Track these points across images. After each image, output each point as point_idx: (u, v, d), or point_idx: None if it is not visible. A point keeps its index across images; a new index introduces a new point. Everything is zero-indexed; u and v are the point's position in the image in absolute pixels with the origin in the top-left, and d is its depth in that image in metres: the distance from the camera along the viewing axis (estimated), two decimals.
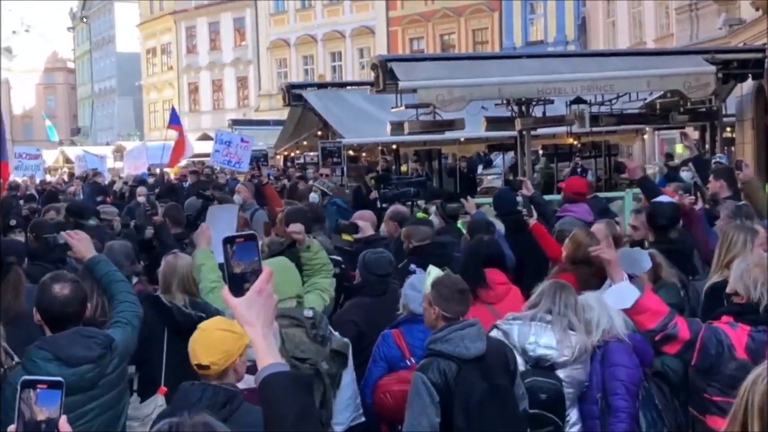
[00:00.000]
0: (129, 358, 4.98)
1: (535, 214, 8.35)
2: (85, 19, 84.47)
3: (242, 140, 19.25)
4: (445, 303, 5.15)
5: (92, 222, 10.10)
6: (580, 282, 6.15)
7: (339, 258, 7.77)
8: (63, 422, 2.18)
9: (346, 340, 5.60)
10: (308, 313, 5.31)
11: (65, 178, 30.82)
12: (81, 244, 5.28)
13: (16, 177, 24.17)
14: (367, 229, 7.96)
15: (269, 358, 2.41)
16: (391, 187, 13.92)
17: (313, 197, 14.71)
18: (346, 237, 8.79)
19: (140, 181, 21.96)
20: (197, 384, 4.06)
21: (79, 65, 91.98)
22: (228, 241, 2.31)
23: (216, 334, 4.18)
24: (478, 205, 10.01)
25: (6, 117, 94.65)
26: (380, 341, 6.01)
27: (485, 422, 4.87)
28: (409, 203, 12.39)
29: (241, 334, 4.03)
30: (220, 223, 7.23)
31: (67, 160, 45.10)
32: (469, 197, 10.03)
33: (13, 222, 10.20)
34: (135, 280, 7.08)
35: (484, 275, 6.70)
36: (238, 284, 2.33)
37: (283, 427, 2.35)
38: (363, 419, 5.83)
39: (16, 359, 4.66)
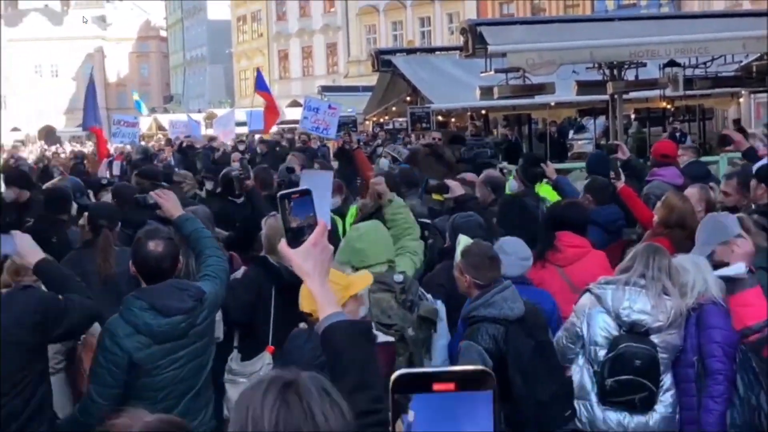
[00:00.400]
0: (216, 309, 5.11)
1: (623, 177, 8.23)
2: None
3: (330, 107, 19.33)
4: (475, 270, 5.22)
5: (164, 185, 10.30)
6: (674, 245, 6.07)
7: (429, 221, 7.78)
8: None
9: (434, 306, 5.60)
10: (398, 278, 5.34)
11: (162, 143, 31.32)
12: (169, 203, 5.44)
13: (114, 143, 24.71)
14: (457, 188, 7.93)
15: (328, 308, 2.47)
16: (465, 149, 13.84)
17: (384, 163, 14.69)
18: (436, 197, 8.79)
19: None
20: (304, 329, 4.34)
21: (171, 33, 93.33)
22: (284, 197, 2.38)
23: None
24: (567, 171, 9.93)
25: (100, 85, 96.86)
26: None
27: (538, 379, 4.93)
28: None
29: (344, 285, 4.23)
30: (315, 187, 7.28)
31: (160, 127, 45.89)
32: (548, 162, 9.92)
33: (104, 181, 10.49)
34: None
35: (553, 238, 6.69)
36: (295, 238, 2.40)
37: (348, 375, 2.40)
38: None
39: None
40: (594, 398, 5.26)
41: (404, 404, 0.98)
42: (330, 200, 7.64)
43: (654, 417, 5.24)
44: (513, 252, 5.90)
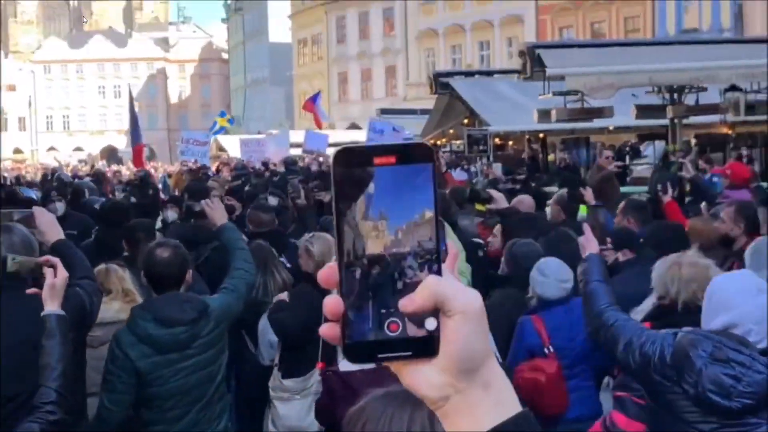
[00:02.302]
0: (228, 322, 5.17)
1: (670, 191, 8.16)
2: (239, 11, 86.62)
3: (394, 129, 19.51)
4: None
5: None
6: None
7: (480, 241, 7.78)
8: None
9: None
10: None
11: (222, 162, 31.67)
12: (216, 212, 5.68)
13: (181, 159, 25.06)
14: (501, 200, 7.92)
15: None
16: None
17: None
18: (478, 206, 8.81)
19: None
20: None
21: (232, 55, 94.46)
22: None
23: None
24: (626, 194, 9.83)
25: (163, 106, 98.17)
26: (519, 329, 5.87)
27: None
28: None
29: None
30: None
31: (220, 148, 46.35)
32: (587, 186, 9.74)
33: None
34: None
35: None
36: None
37: None
38: None
39: None
40: None
41: (365, 178, 1.05)
42: None
43: None
44: (552, 274, 5.81)
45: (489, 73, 28.92)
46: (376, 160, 1.06)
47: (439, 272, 1.09)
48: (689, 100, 17.30)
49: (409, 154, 1.07)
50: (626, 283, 5.64)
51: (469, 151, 21.57)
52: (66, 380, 3.68)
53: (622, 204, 8.67)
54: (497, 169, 21.01)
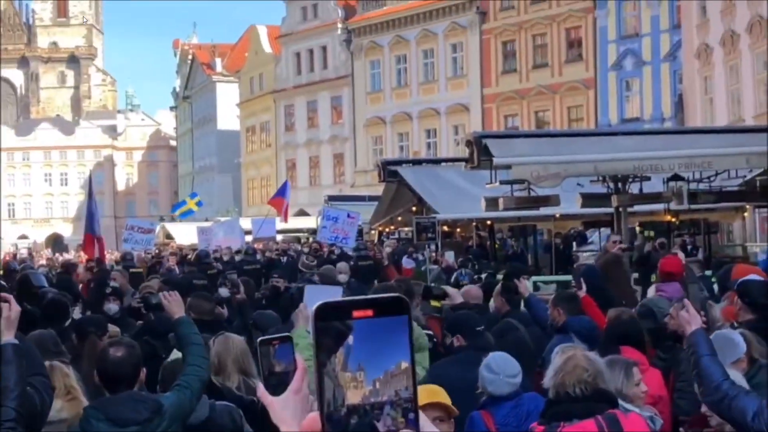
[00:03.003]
0: (182, 419, 5.10)
1: (584, 286, 8.60)
2: (187, 99, 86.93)
3: (348, 216, 19.48)
4: None
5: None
6: None
7: (431, 332, 7.80)
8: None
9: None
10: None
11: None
12: (172, 304, 5.71)
13: (126, 249, 24.74)
14: (456, 296, 7.98)
15: None
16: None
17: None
18: (434, 303, 8.85)
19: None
20: None
21: (180, 143, 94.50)
22: (265, 342, 2.39)
23: None
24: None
25: (110, 193, 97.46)
26: (470, 423, 5.79)
27: None
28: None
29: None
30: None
31: (167, 236, 46.16)
32: (522, 278, 9.87)
33: (108, 290, 10.55)
34: None
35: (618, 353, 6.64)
36: (276, 384, 2.40)
37: None
38: None
39: None
40: None
41: (344, 331, 1.09)
42: None
43: None
44: (501, 370, 5.74)
45: (437, 162, 29.24)
46: (355, 314, 1.10)
47: (416, 420, 1.12)
48: (633, 188, 17.60)
49: (386, 306, 1.11)
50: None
51: (417, 239, 21.61)
52: (23, 401, 4.12)
53: (552, 296, 8.91)
54: (449, 257, 21.10)
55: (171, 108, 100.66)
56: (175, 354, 6.19)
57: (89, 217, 20.39)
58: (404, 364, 1.11)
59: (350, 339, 1.10)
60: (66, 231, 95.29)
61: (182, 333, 5.49)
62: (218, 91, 78.89)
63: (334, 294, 6.69)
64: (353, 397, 1.11)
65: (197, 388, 5.17)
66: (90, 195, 21.26)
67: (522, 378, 5.87)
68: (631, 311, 7.93)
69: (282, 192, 26.27)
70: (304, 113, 64.28)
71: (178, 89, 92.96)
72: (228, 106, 75.43)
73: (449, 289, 8.22)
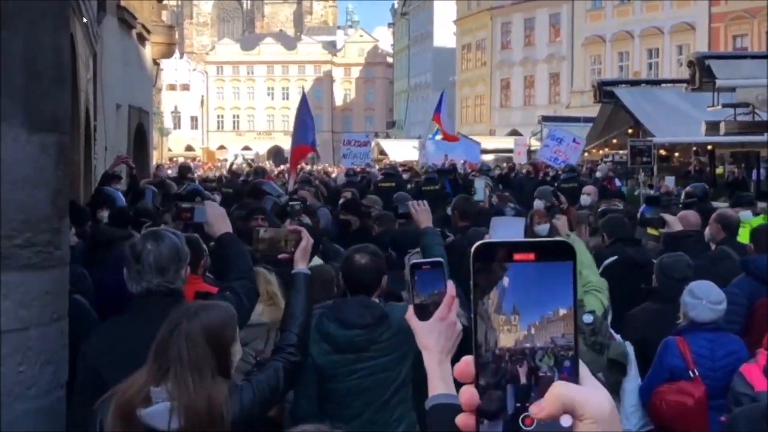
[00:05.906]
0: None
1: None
2: (405, 15, 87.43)
3: (574, 140, 19.21)
4: None
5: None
6: None
7: None
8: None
9: (624, 348, 5.40)
10: (588, 318, 5.19)
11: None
12: (420, 214, 5.79)
13: (344, 165, 25.24)
14: (674, 223, 7.67)
15: (440, 387, 2.35)
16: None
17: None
18: (651, 231, 8.56)
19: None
20: None
21: (397, 60, 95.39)
22: (415, 266, 2.31)
23: None
24: None
25: (328, 108, 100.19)
26: (663, 349, 5.70)
27: None
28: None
29: None
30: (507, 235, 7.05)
31: (381, 152, 46.93)
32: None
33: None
34: None
35: None
36: (421, 312, 2.33)
37: None
38: (651, 427, 5.61)
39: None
40: None
41: (499, 272, 1.05)
42: None
43: None
44: (704, 296, 5.61)
45: (656, 83, 28.24)
46: (516, 256, 1.07)
47: (574, 370, 1.08)
48: None
49: (550, 251, 1.07)
50: None
51: (632, 162, 20.99)
52: (305, 330, 4.40)
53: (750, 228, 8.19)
54: (669, 182, 20.41)
55: (389, 24, 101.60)
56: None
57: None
58: (563, 311, 1.06)
59: (505, 281, 1.06)
60: (286, 144, 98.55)
61: (426, 243, 5.61)
62: (435, 7, 78.87)
63: (517, 225, 6.54)
64: (506, 340, 1.07)
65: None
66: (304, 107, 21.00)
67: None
68: None
69: (438, 108, 26.02)
70: (521, 31, 63.38)
71: (396, 5, 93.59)
72: (445, 23, 75.41)
73: (668, 217, 7.90)
